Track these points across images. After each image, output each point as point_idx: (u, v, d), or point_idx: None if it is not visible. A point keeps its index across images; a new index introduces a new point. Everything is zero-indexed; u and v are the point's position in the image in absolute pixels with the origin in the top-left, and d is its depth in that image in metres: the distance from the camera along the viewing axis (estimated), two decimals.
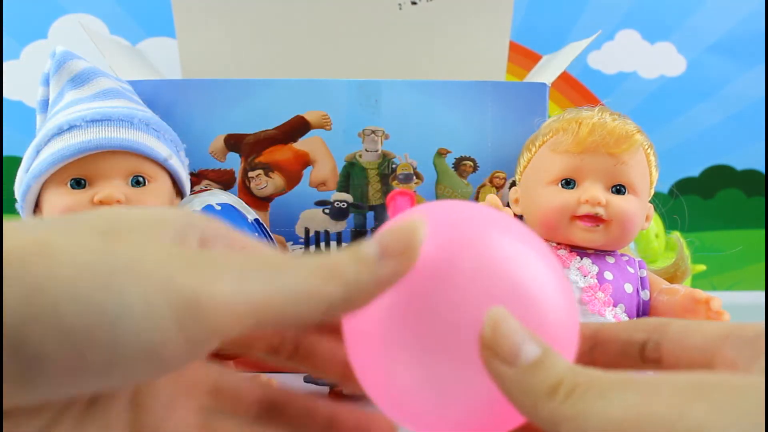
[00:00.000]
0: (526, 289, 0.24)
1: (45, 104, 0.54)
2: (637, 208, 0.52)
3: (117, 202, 0.49)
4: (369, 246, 0.22)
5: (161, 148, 0.52)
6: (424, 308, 0.23)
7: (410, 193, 0.32)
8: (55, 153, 0.48)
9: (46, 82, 0.54)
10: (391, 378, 0.24)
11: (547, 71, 0.67)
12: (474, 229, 0.26)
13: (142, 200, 0.50)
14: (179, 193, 0.56)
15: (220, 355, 0.50)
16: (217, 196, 0.53)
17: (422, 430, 0.25)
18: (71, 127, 0.49)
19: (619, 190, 0.52)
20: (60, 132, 0.49)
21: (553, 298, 0.24)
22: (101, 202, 0.48)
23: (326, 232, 0.63)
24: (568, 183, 0.52)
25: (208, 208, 0.51)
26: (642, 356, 0.25)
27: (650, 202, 0.56)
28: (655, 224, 0.80)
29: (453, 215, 0.27)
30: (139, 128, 0.51)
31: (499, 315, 0.22)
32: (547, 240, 0.54)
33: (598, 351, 0.27)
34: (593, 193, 0.50)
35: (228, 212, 0.52)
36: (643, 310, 0.52)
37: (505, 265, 0.24)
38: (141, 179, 0.51)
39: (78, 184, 0.49)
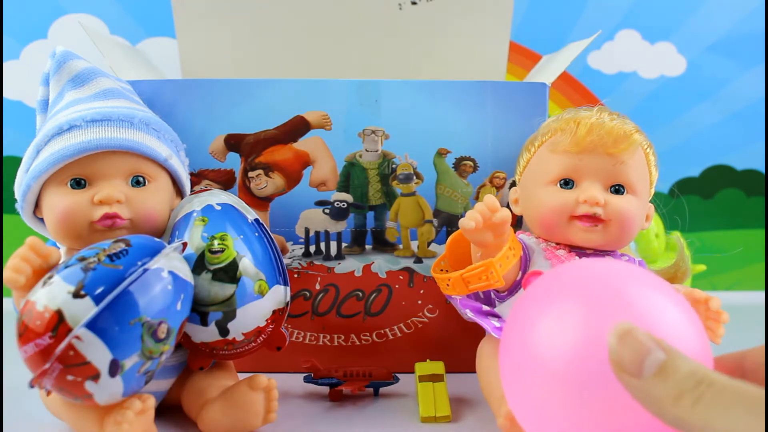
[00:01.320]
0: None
1: (45, 104, 0.54)
2: (637, 208, 0.52)
3: (117, 202, 0.49)
4: None
5: (161, 148, 0.52)
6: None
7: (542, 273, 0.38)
8: (55, 153, 0.48)
9: (46, 82, 0.54)
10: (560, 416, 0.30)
11: (547, 71, 0.67)
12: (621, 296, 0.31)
13: (142, 200, 0.50)
14: (179, 193, 0.56)
15: (219, 356, 0.50)
16: (217, 196, 0.53)
17: None
18: (71, 127, 0.49)
19: (617, 189, 0.52)
20: (60, 132, 0.49)
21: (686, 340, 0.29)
22: (101, 202, 0.48)
23: (326, 232, 0.63)
24: (567, 183, 0.52)
25: (208, 208, 0.51)
26: None
27: (650, 202, 0.56)
28: (655, 224, 0.80)
29: (596, 281, 0.33)
30: (139, 128, 0.51)
31: (624, 328, 0.26)
32: (546, 240, 0.54)
33: (749, 379, 0.29)
34: (592, 193, 0.50)
35: (228, 212, 0.52)
36: None
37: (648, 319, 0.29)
38: (141, 179, 0.51)
39: (78, 184, 0.49)
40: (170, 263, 0.44)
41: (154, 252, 0.44)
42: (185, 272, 0.45)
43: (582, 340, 0.29)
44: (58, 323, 0.40)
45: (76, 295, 0.40)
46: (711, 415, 0.23)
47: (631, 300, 0.30)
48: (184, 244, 0.48)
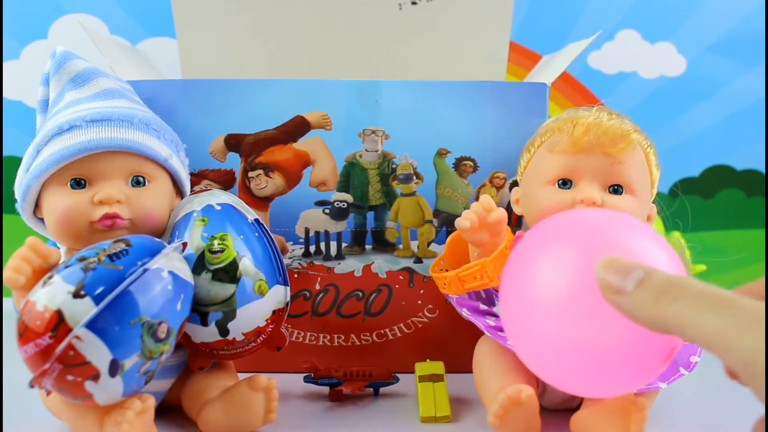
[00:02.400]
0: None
1: (45, 104, 0.54)
2: (635, 208, 0.52)
3: (117, 203, 0.49)
4: None
5: (161, 148, 0.52)
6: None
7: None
8: (55, 153, 0.49)
9: (46, 82, 0.54)
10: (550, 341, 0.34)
11: (547, 71, 0.67)
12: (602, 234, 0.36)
13: (142, 200, 0.50)
14: (179, 193, 0.56)
15: (219, 356, 0.50)
16: (217, 196, 0.53)
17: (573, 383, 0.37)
18: (71, 127, 0.49)
19: (616, 189, 0.52)
20: (60, 132, 0.49)
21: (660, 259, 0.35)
22: (101, 202, 0.48)
23: (326, 232, 0.63)
24: (565, 183, 0.52)
25: (208, 208, 0.51)
26: None
27: (653, 203, 0.55)
28: (655, 225, 0.80)
29: (580, 223, 0.38)
30: (140, 128, 0.51)
31: (609, 258, 0.30)
32: None
33: None
34: (588, 193, 0.50)
35: (228, 212, 0.52)
36: None
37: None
38: (141, 179, 0.51)
39: (78, 184, 0.49)
40: (170, 263, 0.44)
41: (154, 252, 0.44)
42: (185, 272, 0.45)
43: (571, 274, 0.34)
44: (58, 323, 0.40)
45: (76, 295, 0.40)
46: (686, 314, 0.26)
47: (618, 239, 0.36)
48: (184, 244, 0.49)
